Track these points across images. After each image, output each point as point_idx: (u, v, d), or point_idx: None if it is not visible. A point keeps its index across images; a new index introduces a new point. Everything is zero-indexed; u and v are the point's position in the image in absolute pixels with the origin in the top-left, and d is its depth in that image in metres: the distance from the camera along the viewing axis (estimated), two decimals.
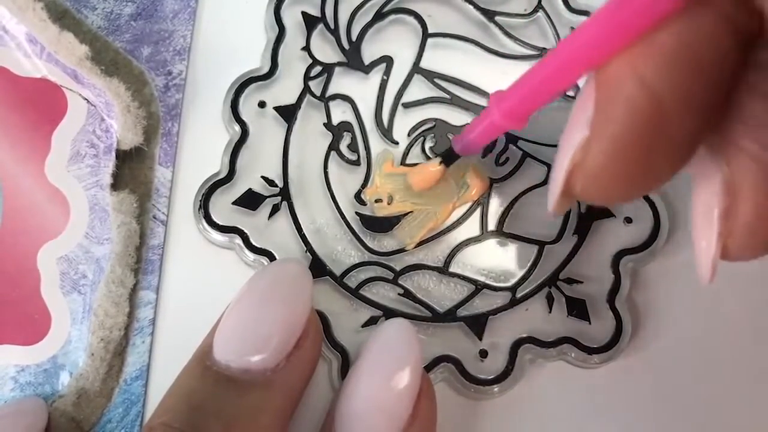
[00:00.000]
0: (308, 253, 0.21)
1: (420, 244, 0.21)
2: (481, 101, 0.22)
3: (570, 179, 0.14)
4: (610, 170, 0.13)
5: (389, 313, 0.20)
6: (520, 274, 0.21)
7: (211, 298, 0.19)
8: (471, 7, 0.22)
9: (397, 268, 0.21)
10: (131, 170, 0.21)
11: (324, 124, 0.22)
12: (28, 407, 0.20)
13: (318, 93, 0.22)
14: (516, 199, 0.21)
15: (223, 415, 0.16)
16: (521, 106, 0.16)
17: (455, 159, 0.20)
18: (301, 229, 0.21)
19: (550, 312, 0.20)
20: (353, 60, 0.22)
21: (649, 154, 0.13)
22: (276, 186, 0.21)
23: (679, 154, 0.13)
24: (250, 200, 0.21)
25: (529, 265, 0.21)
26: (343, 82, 0.22)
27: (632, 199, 0.15)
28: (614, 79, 0.13)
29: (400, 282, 0.21)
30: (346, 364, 0.20)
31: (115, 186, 0.21)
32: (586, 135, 0.13)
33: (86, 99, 0.21)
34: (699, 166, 0.14)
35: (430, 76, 0.22)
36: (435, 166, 0.20)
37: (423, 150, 0.21)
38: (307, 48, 0.22)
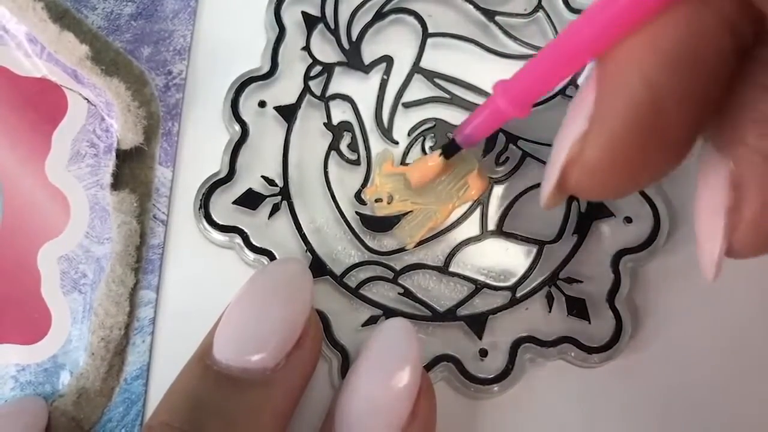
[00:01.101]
0: (308, 253, 0.21)
1: (420, 243, 0.21)
2: (481, 101, 0.22)
3: (565, 173, 0.14)
4: (606, 164, 0.13)
5: (389, 313, 0.20)
6: (520, 273, 0.21)
7: (212, 297, 0.19)
8: (471, 6, 0.22)
9: (397, 268, 0.21)
10: (131, 170, 0.21)
11: (324, 123, 0.22)
12: (29, 406, 0.20)
13: (318, 93, 0.22)
14: (516, 198, 0.21)
15: (222, 414, 0.16)
16: (526, 93, 0.16)
17: (456, 151, 0.19)
18: (301, 228, 0.21)
19: (549, 311, 0.20)
20: (353, 60, 0.22)
21: (646, 149, 0.13)
22: (276, 185, 0.21)
23: (674, 150, 0.13)
24: (250, 200, 0.21)
25: (528, 264, 0.21)
26: (343, 82, 0.22)
27: (625, 195, 0.15)
28: (617, 74, 0.13)
29: (400, 281, 0.21)
30: (346, 364, 0.20)
31: (116, 185, 0.21)
32: (584, 129, 0.13)
33: (86, 99, 0.21)
34: (705, 163, 0.14)
35: (431, 75, 0.22)
36: (434, 160, 0.20)
37: (423, 150, 0.21)
38: (307, 48, 0.22)
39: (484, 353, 0.20)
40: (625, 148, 0.13)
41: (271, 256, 0.21)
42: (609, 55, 0.13)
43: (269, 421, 0.17)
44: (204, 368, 0.17)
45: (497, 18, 0.22)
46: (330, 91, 0.22)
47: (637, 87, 0.12)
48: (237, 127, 0.21)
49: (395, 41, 0.22)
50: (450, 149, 0.20)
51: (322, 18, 0.22)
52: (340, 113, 0.22)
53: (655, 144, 0.13)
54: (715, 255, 0.13)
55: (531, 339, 0.20)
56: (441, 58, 0.22)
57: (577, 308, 0.20)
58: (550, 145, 0.20)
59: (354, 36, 0.22)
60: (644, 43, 0.12)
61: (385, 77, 0.22)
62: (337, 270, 0.21)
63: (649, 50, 0.12)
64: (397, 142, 0.21)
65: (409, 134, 0.21)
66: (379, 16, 0.22)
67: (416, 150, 0.21)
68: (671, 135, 0.13)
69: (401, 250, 0.21)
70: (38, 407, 0.20)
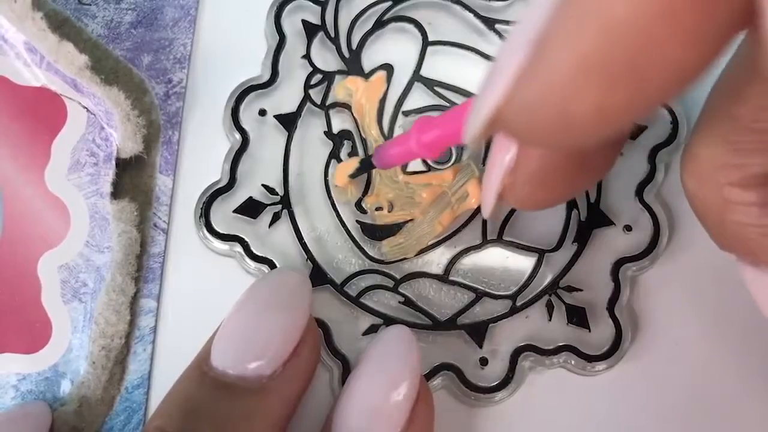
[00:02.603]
0: (309, 261, 0.21)
1: (421, 252, 0.21)
2: None
3: (502, 198, 0.16)
4: (535, 197, 0.15)
5: (390, 321, 0.20)
6: (520, 281, 0.21)
7: (212, 306, 0.19)
8: (471, 14, 0.22)
9: (398, 276, 0.21)
10: (131, 179, 0.21)
11: (324, 132, 0.22)
12: (33, 411, 0.20)
13: (318, 101, 0.22)
14: None
15: (217, 420, 0.16)
16: (438, 141, 0.16)
17: (370, 168, 0.20)
18: (302, 237, 0.21)
19: (550, 320, 0.20)
20: (353, 68, 0.22)
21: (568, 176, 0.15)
22: (276, 194, 0.21)
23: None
24: (250, 208, 0.21)
25: (529, 272, 0.21)
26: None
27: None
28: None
29: (400, 290, 0.21)
30: (346, 372, 0.20)
31: (116, 194, 0.21)
32: (511, 167, 0.15)
33: (86, 108, 0.21)
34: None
35: (431, 84, 0.22)
36: (351, 164, 0.20)
37: (423, 158, 0.21)
38: (307, 56, 0.22)
39: (484, 361, 0.20)
40: (551, 178, 0.15)
41: (272, 265, 0.21)
42: None
43: (263, 428, 0.17)
44: (201, 375, 0.17)
45: (497, 26, 0.22)
46: (330, 99, 0.22)
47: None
48: (237, 136, 0.21)
49: (395, 49, 0.22)
50: (366, 167, 0.20)
51: (323, 26, 0.22)
52: (340, 121, 0.22)
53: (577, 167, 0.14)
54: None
55: (531, 347, 0.20)
56: (441, 66, 0.22)
57: (577, 316, 0.20)
58: None
59: (354, 44, 0.22)
60: None
61: (386, 85, 0.22)
62: (338, 278, 0.21)
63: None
64: None
65: None
66: (380, 24, 0.22)
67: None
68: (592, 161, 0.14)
69: (402, 258, 0.21)
70: (42, 411, 0.20)
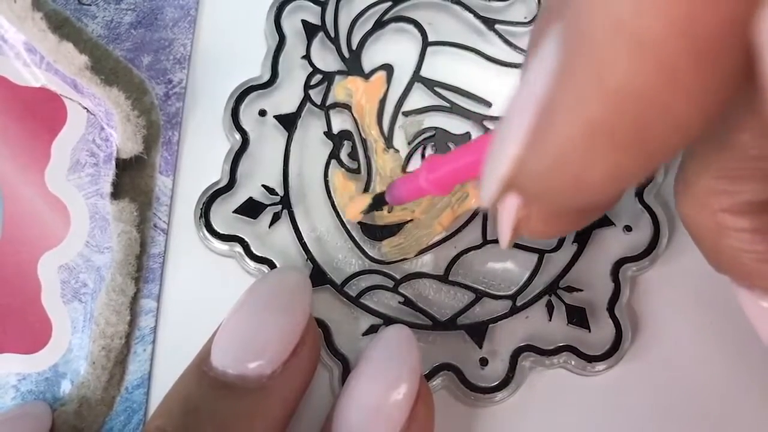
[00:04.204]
0: (309, 262, 0.21)
1: (421, 252, 0.21)
2: (481, 110, 0.22)
3: (517, 232, 0.15)
4: (549, 231, 0.15)
5: (390, 321, 0.20)
6: (520, 282, 0.21)
7: (212, 306, 0.19)
8: (471, 15, 0.22)
9: (398, 276, 0.21)
10: (131, 179, 0.21)
11: (324, 132, 0.22)
12: (33, 411, 0.20)
13: (318, 101, 0.22)
14: None
15: (216, 419, 0.16)
16: (447, 179, 0.17)
17: (383, 205, 0.20)
18: (302, 237, 0.21)
19: (550, 320, 0.20)
20: (353, 68, 0.22)
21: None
22: (276, 194, 0.21)
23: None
24: (250, 208, 0.21)
25: (529, 273, 0.21)
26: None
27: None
28: None
29: (400, 290, 0.21)
30: (347, 372, 0.20)
31: (116, 195, 0.21)
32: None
33: (86, 108, 0.21)
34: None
35: (431, 84, 0.22)
36: (364, 200, 0.20)
37: (423, 158, 0.21)
38: (307, 56, 0.22)
39: (484, 362, 0.20)
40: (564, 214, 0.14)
41: (272, 265, 0.21)
42: None
43: (263, 428, 0.17)
44: (200, 374, 0.17)
45: (497, 26, 0.22)
46: (330, 100, 0.22)
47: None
48: (237, 136, 0.21)
49: (395, 50, 0.22)
50: (378, 203, 0.20)
51: (323, 26, 0.22)
52: (340, 122, 0.22)
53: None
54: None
55: (531, 347, 0.20)
56: (441, 66, 0.22)
57: (578, 317, 0.20)
58: None
59: (354, 44, 0.22)
60: None
61: (386, 86, 0.22)
62: (338, 279, 0.21)
63: None
64: (397, 151, 0.21)
65: (409, 143, 0.21)
66: (380, 24, 0.22)
67: (416, 158, 0.21)
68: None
69: (402, 258, 0.21)
70: (43, 412, 0.20)
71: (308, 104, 0.22)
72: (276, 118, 0.22)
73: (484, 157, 0.13)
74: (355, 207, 0.20)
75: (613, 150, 0.09)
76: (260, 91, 0.22)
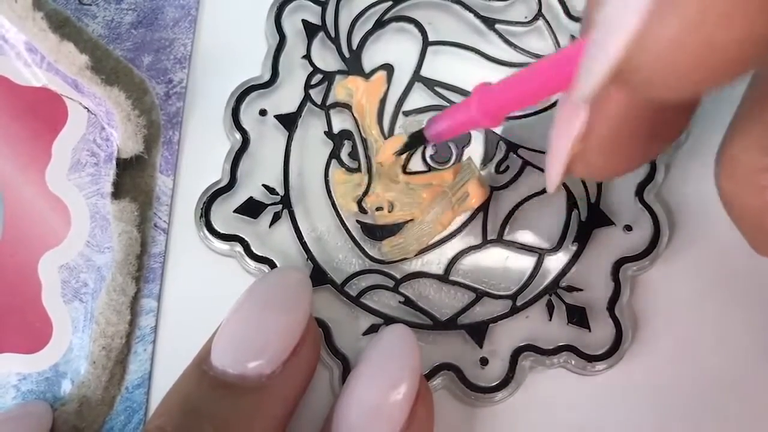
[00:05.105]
0: (309, 261, 0.21)
1: (421, 252, 0.21)
2: None
3: (570, 169, 0.14)
4: (607, 165, 0.14)
5: (390, 321, 0.20)
6: (520, 281, 0.21)
7: (213, 305, 0.19)
8: (471, 15, 0.22)
9: (398, 276, 0.21)
10: (132, 179, 0.21)
11: (325, 132, 0.22)
12: (34, 410, 0.20)
13: (319, 101, 0.22)
14: (516, 207, 0.21)
15: (216, 419, 0.16)
16: (501, 108, 0.16)
17: (421, 143, 0.19)
18: (302, 237, 0.21)
19: (550, 319, 0.20)
20: (354, 68, 0.22)
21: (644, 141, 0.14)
22: (277, 194, 0.21)
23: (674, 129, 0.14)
24: (251, 208, 0.21)
25: (529, 272, 0.21)
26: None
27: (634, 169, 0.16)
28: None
29: (400, 290, 0.21)
30: (347, 372, 0.20)
31: (116, 194, 0.21)
32: (582, 132, 0.14)
33: (86, 108, 0.21)
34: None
35: (431, 84, 0.22)
36: (398, 140, 0.20)
37: (423, 158, 0.21)
38: (307, 56, 0.22)
39: (484, 361, 0.20)
40: (624, 144, 0.14)
41: (272, 265, 0.21)
42: None
43: (263, 427, 0.17)
44: (200, 374, 0.17)
45: (497, 26, 0.22)
46: (330, 99, 0.22)
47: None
48: (238, 136, 0.21)
49: (396, 49, 0.22)
50: (416, 142, 0.19)
51: (323, 26, 0.22)
52: (340, 121, 0.22)
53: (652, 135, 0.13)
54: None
55: (531, 347, 0.20)
56: (441, 66, 0.22)
57: (578, 316, 0.20)
58: None
59: (354, 44, 0.22)
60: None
61: (386, 85, 0.22)
62: (338, 278, 0.21)
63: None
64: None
65: None
66: (380, 24, 0.22)
67: (416, 158, 0.21)
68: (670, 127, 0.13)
69: (402, 258, 0.21)
70: (43, 411, 0.20)
71: (308, 104, 0.22)
72: (276, 118, 0.22)
73: (539, 83, 0.13)
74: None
75: (755, 5, 0.09)
76: (261, 90, 0.22)
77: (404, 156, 0.21)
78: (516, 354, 0.20)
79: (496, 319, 0.20)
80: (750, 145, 0.14)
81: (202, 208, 0.21)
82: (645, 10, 0.10)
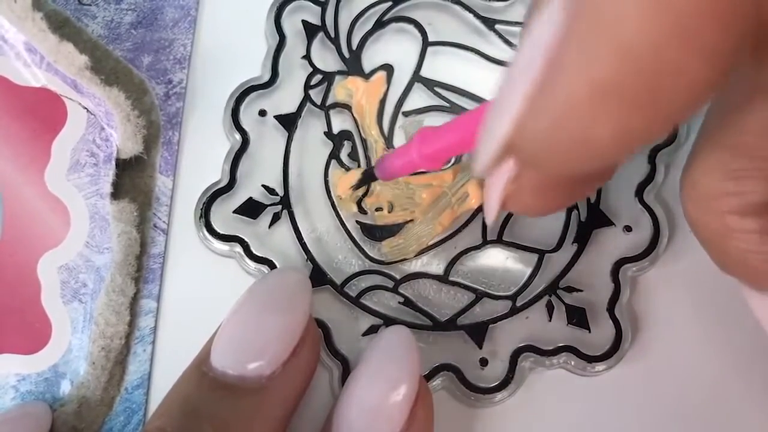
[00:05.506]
0: (309, 262, 0.21)
1: (420, 252, 0.21)
2: None
3: (504, 205, 0.15)
4: (538, 206, 0.14)
5: (390, 322, 0.20)
6: (520, 282, 0.21)
7: (212, 306, 0.19)
8: (471, 15, 0.22)
9: (398, 277, 0.21)
10: (131, 179, 0.21)
11: (324, 132, 0.22)
12: (33, 411, 0.20)
13: (318, 101, 0.22)
14: None
15: (216, 420, 0.16)
16: (439, 152, 0.16)
17: (372, 180, 0.20)
18: (302, 237, 0.21)
19: (550, 320, 0.20)
20: (353, 68, 0.22)
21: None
22: (276, 194, 0.21)
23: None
24: (250, 209, 0.21)
25: (529, 273, 0.21)
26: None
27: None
28: None
29: (400, 290, 0.21)
30: (346, 373, 0.20)
31: (116, 195, 0.21)
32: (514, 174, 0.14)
33: (86, 108, 0.21)
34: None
35: (431, 84, 0.22)
36: (353, 176, 0.20)
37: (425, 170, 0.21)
38: (307, 56, 0.22)
39: (484, 362, 0.20)
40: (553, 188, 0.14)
41: (272, 265, 0.21)
42: None
43: (262, 428, 0.17)
44: (200, 375, 0.17)
45: (497, 26, 0.22)
46: (330, 100, 0.22)
47: None
48: (237, 136, 0.21)
49: (395, 50, 0.22)
50: (367, 177, 0.20)
51: (323, 26, 0.22)
52: (340, 122, 0.22)
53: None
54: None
55: (531, 348, 0.20)
56: (441, 66, 0.22)
57: (577, 317, 0.20)
58: None
59: (354, 44, 0.22)
60: None
61: (386, 86, 0.22)
62: (338, 279, 0.21)
63: None
64: None
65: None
66: (380, 24, 0.22)
67: None
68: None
69: (402, 259, 0.21)
70: (42, 412, 0.20)
71: (308, 104, 0.22)
72: (276, 118, 0.22)
73: (480, 128, 0.12)
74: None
75: (624, 108, 0.09)
76: (260, 91, 0.22)
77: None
78: (516, 354, 0.20)
79: (496, 320, 0.20)
80: (710, 170, 0.14)
81: (201, 209, 0.21)
82: (525, 99, 0.10)
